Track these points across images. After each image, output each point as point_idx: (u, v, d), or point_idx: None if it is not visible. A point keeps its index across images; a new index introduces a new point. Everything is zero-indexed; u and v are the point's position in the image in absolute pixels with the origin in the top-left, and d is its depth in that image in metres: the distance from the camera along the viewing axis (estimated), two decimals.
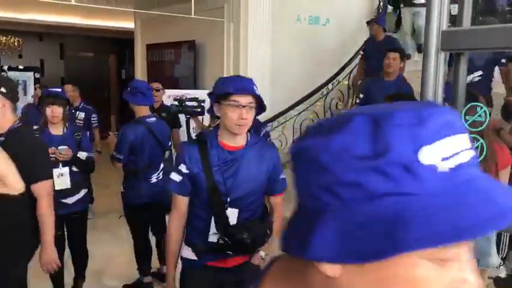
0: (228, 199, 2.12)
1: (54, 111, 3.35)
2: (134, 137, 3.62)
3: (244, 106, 2.05)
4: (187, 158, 2.11)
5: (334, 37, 7.23)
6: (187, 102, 4.66)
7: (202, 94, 5.11)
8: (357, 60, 6.69)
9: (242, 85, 2.08)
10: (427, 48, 1.46)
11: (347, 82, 6.79)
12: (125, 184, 3.81)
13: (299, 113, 6.31)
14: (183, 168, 2.13)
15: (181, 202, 2.20)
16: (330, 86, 6.61)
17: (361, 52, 6.55)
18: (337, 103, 6.75)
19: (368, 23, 6.23)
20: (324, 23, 7.18)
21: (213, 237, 2.18)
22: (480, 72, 4.92)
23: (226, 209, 2.12)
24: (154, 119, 3.79)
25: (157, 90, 4.92)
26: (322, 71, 6.74)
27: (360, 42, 6.80)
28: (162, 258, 4.10)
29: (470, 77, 4.98)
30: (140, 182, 3.72)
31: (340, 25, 7.27)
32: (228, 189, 2.12)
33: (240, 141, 2.14)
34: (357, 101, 5.57)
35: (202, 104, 4.73)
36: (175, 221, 2.23)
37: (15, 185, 2.16)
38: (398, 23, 7.29)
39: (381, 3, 7.45)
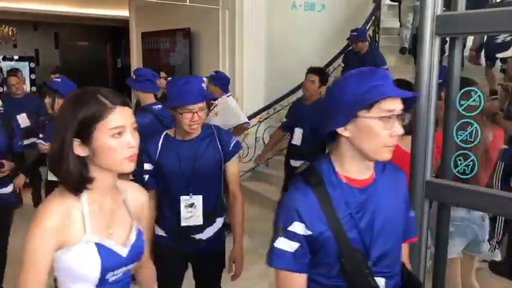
0: (369, 262, 1.38)
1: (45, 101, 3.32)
2: (143, 125, 3.57)
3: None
4: (304, 211, 1.34)
5: (330, 23, 7.19)
6: None
7: None
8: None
9: None
10: (421, 33, 1.46)
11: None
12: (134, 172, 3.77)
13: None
14: (298, 228, 1.34)
15: (299, 283, 1.38)
16: (331, 68, 6.60)
17: (342, 65, 6.28)
18: None
19: (350, 39, 5.80)
20: (320, 9, 7.15)
21: None
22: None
23: (372, 278, 1.37)
24: (160, 106, 3.72)
25: (165, 79, 4.92)
26: (318, 58, 6.71)
27: (357, 26, 6.78)
28: None
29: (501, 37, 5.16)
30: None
31: (335, 11, 7.24)
32: (367, 249, 1.37)
33: (370, 170, 1.41)
34: None
35: None
36: None
37: None
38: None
39: None
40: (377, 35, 7.32)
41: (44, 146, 3.24)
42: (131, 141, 1.29)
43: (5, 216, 3.28)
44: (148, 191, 2.13)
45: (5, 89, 7.04)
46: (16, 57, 10.62)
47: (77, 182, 1.28)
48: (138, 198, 1.49)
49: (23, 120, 5.32)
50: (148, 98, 3.68)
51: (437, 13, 1.44)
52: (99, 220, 1.33)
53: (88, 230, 1.30)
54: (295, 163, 4.31)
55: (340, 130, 1.31)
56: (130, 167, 1.30)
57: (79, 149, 1.26)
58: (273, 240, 1.38)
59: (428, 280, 1.80)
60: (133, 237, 1.40)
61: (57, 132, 1.28)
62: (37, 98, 5.60)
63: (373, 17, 7.16)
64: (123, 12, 9.51)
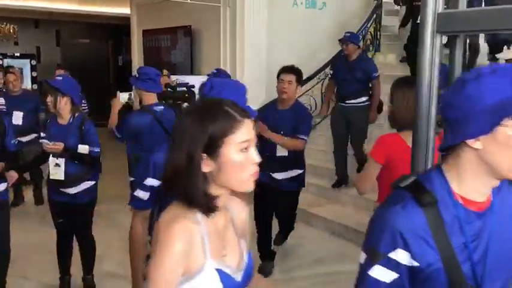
0: None
1: (45, 100, 3.31)
2: (140, 126, 3.54)
3: None
4: (411, 237, 1.10)
5: (331, 21, 7.18)
6: (178, 88, 4.66)
7: (193, 80, 5.11)
8: None
9: None
10: (422, 31, 1.45)
11: None
12: (131, 173, 3.74)
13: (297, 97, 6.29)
14: (402, 257, 1.11)
15: None
16: (327, 70, 6.59)
17: (330, 71, 6.03)
18: None
19: (341, 40, 5.30)
20: (321, 7, 7.14)
21: None
22: None
23: None
24: (162, 107, 3.68)
25: (169, 77, 4.91)
26: (319, 56, 6.71)
27: (357, 26, 6.76)
28: None
29: None
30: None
31: (337, 9, 7.23)
32: (479, 285, 1.15)
33: (490, 191, 1.17)
34: None
35: (192, 89, 4.72)
36: None
37: None
38: (406, 20, 6.48)
39: None
40: (378, 33, 7.31)
41: (48, 145, 3.24)
42: (255, 157, 1.18)
43: (3, 214, 3.25)
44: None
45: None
46: (17, 54, 10.64)
47: (206, 200, 1.17)
48: (241, 213, 1.37)
49: (16, 118, 5.30)
50: (151, 98, 3.65)
51: (439, 11, 1.44)
52: (215, 242, 1.21)
53: (208, 254, 1.18)
54: (276, 175, 3.83)
55: (470, 141, 1.07)
56: (251, 185, 1.19)
57: (205, 165, 1.16)
58: (366, 267, 1.14)
59: None
60: (246, 258, 1.31)
61: (181, 146, 1.16)
62: (36, 95, 5.60)
63: (375, 15, 7.15)
64: (124, 10, 9.51)
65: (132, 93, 3.83)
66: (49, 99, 3.26)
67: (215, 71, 4.82)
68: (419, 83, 1.50)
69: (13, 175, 3.18)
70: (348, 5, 7.31)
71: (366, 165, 2.65)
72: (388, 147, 2.48)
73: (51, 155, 3.29)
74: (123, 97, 3.83)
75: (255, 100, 6.54)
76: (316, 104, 6.26)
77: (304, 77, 6.37)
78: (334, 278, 3.94)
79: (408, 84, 2.44)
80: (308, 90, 6.40)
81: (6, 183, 3.22)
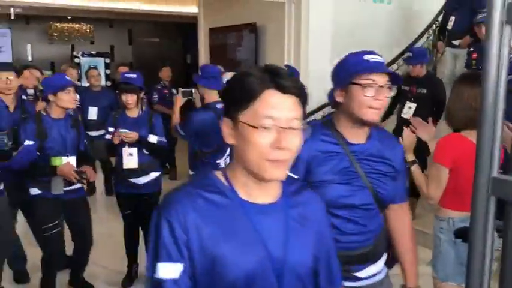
0: None
1: (127, 99, 3.48)
2: (203, 124, 3.65)
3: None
4: None
5: (399, 16, 6.96)
6: None
7: None
8: (422, 40, 6.42)
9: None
10: (489, 22, 1.37)
11: None
12: (193, 167, 3.87)
13: None
14: None
15: None
16: (395, 66, 6.40)
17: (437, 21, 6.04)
18: None
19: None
20: (389, 1, 6.93)
21: None
22: None
23: None
24: (223, 104, 3.78)
25: (224, 73, 5.01)
26: (385, 52, 6.51)
27: (426, 21, 6.51)
28: None
29: None
30: (208, 166, 3.75)
31: (405, 3, 6.99)
32: None
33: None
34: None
35: None
36: None
37: None
38: None
39: None
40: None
41: (126, 134, 3.42)
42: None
43: (85, 206, 3.48)
44: None
45: (82, 83, 7.48)
46: (93, 52, 11.24)
47: None
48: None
49: (91, 113, 5.64)
50: (212, 95, 3.73)
51: (509, 0, 1.35)
52: None
53: None
54: None
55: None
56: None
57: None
58: None
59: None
60: None
61: None
62: (112, 93, 5.90)
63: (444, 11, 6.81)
64: (192, 9, 9.74)
65: (193, 90, 3.92)
66: (129, 97, 3.44)
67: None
68: (485, 77, 1.42)
69: (90, 172, 3.38)
70: None
71: (430, 172, 2.50)
72: (454, 149, 2.36)
73: (125, 146, 3.47)
74: (185, 95, 3.93)
75: (318, 96, 6.48)
76: None
77: None
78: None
79: (466, 79, 2.32)
80: None
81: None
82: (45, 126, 3.16)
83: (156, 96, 6.63)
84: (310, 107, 6.24)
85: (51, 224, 3.24)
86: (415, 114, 4.49)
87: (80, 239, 3.50)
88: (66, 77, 3.43)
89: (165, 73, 6.85)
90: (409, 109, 4.74)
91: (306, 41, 6.37)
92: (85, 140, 3.52)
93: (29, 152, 2.94)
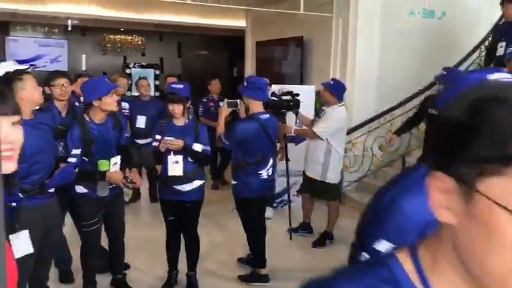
0: None
1: (173, 109, 3.57)
2: (247, 134, 3.70)
3: None
4: None
5: (450, 31, 6.80)
6: (282, 97, 4.70)
7: (300, 90, 5.13)
8: (474, 56, 6.24)
9: None
10: None
11: None
12: (235, 177, 3.91)
13: (406, 112, 6.04)
14: None
15: None
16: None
17: (488, 40, 5.69)
18: None
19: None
20: (440, 16, 6.79)
21: None
22: None
23: None
24: (267, 115, 3.82)
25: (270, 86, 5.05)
26: (436, 68, 6.37)
27: (479, 37, 6.32)
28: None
29: None
30: (250, 177, 3.81)
31: (457, 18, 6.82)
32: None
33: None
34: None
35: (296, 98, 4.75)
36: None
37: None
38: None
39: None
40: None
41: (172, 142, 3.49)
42: None
43: (121, 199, 3.64)
44: None
45: (132, 93, 7.72)
46: (144, 64, 11.60)
47: None
48: None
49: (140, 121, 5.82)
50: (257, 106, 3.78)
51: None
52: None
53: None
54: None
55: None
56: None
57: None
58: None
59: None
60: None
61: None
62: (160, 102, 6.05)
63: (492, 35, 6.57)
64: (240, 23, 9.90)
65: (238, 101, 3.97)
66: (176, 107, 3.53)
67: (331, 82, 4.81)
68: None
69: (137, 178, 3.47)
70: (470, 13, 6.85)
71: None
72: None
73: (171, 153, 3.55)
74: (230, 105, 3.98)
75: (364, 111, 6.42)
76: None
77: (417, 90, 6.13)
78: None
79: None
80: None
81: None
82: (90, 131, 3.27)
83: (201, 108, 6.75)
84: (354, 122, 6.19)
85: (91, 222, 3.39)
86: None
87: (112, 234, 3.67)
88: (106, 80, 3.55)
89: (214, 86, 6.95)
90: None
91: (353, 55, 6.33)
92: (126, 134, 3.63)
93: (69, 175, 3.01)
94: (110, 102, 3.25)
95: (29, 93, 2.71)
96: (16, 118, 1.10)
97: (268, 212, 5.34)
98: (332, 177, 4.75)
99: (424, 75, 6.10)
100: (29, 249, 2.60)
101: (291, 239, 4.93)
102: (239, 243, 4.54)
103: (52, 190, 3.19)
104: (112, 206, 3.50)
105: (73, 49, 11.40)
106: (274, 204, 5.78)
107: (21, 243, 2.62)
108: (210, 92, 6.92)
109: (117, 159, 3.35)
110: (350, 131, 5.96)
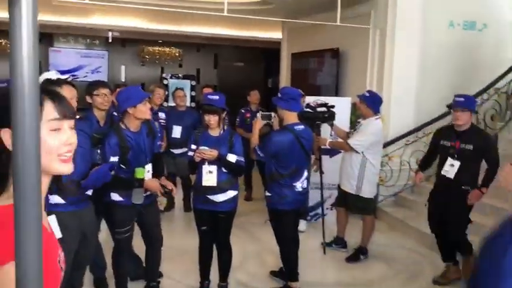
0: None
1: (209, 119, 3.60)
2: (282, 145, 3.69)
3: None
4: None
5: (491, 43, 6.62)
6: (317, 108, 4.65)
7: (335, 101, 5.07)
8: None
9: None
10: None
11: (506, 92, 6.15)
12: (269, 188, 3.89)
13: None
14: None
15: None
16: (485, 95, 6.06)
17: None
18: (492, 115, 6.16)
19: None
20: (481, 28, 6.61)
21: None
22: None
23: None
24: (302, 126, 3.79)
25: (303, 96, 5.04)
26: (476, 80, 6.21)
27: None
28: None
29: None
30: (284, 189, 3.78)
31: (499, 30, 6.64)
32: None
33: None
34: None
35: (331, 109, 4.70)
36: None
37: None
38: None
39: None
40: None
41: (206, 151, 3.49)
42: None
43: (155, 208, 3.70)
44: None
45: (168, 103, 7.83)
46: (181, 75, 11.79)
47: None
48: None
49: (176, 131, 5.90)
50: (291, 117, 3.75)
51: None
52: None
53: None
54: None
55: None
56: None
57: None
58: None
59: None
60: None
61: None
62: (196, 113, 6.12)
63: None
64: (276, 34, 9.94)
65: (272, 114, 3.96)
66: (212, 118, 3.55)
67: (367, 94, 4.75)
68: None
69: (168, 184, 3.51)
70: None
71: None
72: None
73: (205, 163, 3.57)
74: (264, 118, 3.97)
75: (401, 124, 6.31)
76: None
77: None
78: None
79: None
80: None
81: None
82: (126, 139, 3.33)
83: (238, 119, 6.78)
84: (391, 135, 6.07)
85: (124, 229, 3.44)
86: (458, 173, 3.97)
87: (150, 240, 3.69)
88: (139, 88, 3.61)
89: (254, 97, 6.97)
90: (451, 167, 4.04)
91: (389, 67, 6.23)
92: (159, 142, 3.70)
93: (105, 175, 3.05)
94: (143, 110, 3.31)
95: None
96: (72, 122, 1.15)
97: (302, 224, 5.30)
98: (367, 191, 4.66)
99: (463, 88, 5.94)
100: (58, 234, 2.62)
101: (324, 253, 4.86)
102: (272, 256, 4.50)
103: (89, 192, 3.25)
104: (147, 215, 3.54)
105: (113, 60, 11.70)
106: (308, 217, 5.72)
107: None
108: (249, 103, 6.94)
109: (149, 167, 3.40)
110: (387, 144, 5.85)
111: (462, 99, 3.98)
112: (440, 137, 4.21)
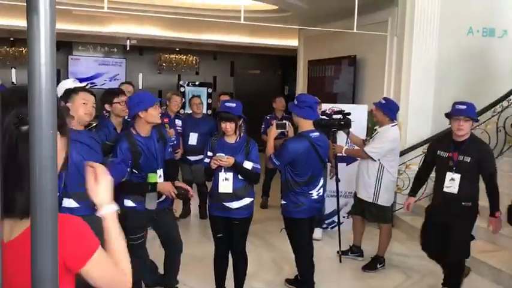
0: None
1: (225, 127, 3.61)
2: (297, 152, 3.67)
3: None
4: None
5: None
6: (333, 116, 4.63)
7: (352, 109, 5.05)
8: None
9: None
10: None
11: None
12: (284, 197, 3.87)
13: None
14: None
15: None
16: (505, 103, 5.96)
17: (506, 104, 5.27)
18: None
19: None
20: (501, 34, 6.53)
21: None
22: None
23: None
24: (317, 133, 3.76)
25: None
26: (496, 87, 6.12)
27: None
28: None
29: None
30: (300, 196, 3.76)
31: None
32: None
33: None
34: None
35: (347, 117, 4.66)
36: None
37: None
38: None
39: None
40: None
41: (223, 158, 3.47)
42: None
43: (170, 214, 3.76)
44: None
45: (185, 110, 7.88)
46: (197, 83, 11.87)
47: None
48: None
49: (192, 138, 5.93)
50: (307, 125, 3.73)
51: None
52: None
53: None
54: None
55: None
56: None
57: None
58: None
59: None
60: None
61: None
62: (212, 120, 6.14)
63: None
64: (292, 42, 9.95)
65: (287, 123, 3.96)
66: (228, 125, 3.56)
67: (383, 101, 4.71)
68: None
69: (183, 185, 3.54)
70: None
71: None
72: None
73: (222, 170, 3.58)
74: (279, 127, 3.97)
75: (419, 132, 6.24)
76: (489, 138, 5.67)
77: (477, 110, 5.87)
78: None
79: None
80: (480, 124, 5.85)
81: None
82: (137, 144, 3.37)
83: (264, 126, 6.80)
84: (409, 143, 6.01)
85: (137, 236, 3.46)
86: (458, 188, 3.71)
87: (169, 244, 3.72)
88: (149, 93, 3.65)
89: (279, 103, 6.98)
90: (452, 181, 3.75)
91: (407, 75, 6.18)
92: (170, 149, 3.74)
93: (120, 168, 3.10)
94: (154, 114, 3.36)
95: (72, 108, 2.93)
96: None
97: (318, 232, 5.26)
98: (384, 200, 4.61)
99: (483, 95, 5.86)
100: None
101: (340, 261, 4.81)
102: (287, 264, 4.48)
103: None
104: (160, 219, 3.56)
105: (131, 68, 11.85)
106: (324, 225, 5.68)
107: None
108: (275, 110, 6.95)
109: (161, 172, 3.42)
110: (404, 152, 5.78)
111: (464, 106, 3.67)
112: (437, 147, 3.94)
